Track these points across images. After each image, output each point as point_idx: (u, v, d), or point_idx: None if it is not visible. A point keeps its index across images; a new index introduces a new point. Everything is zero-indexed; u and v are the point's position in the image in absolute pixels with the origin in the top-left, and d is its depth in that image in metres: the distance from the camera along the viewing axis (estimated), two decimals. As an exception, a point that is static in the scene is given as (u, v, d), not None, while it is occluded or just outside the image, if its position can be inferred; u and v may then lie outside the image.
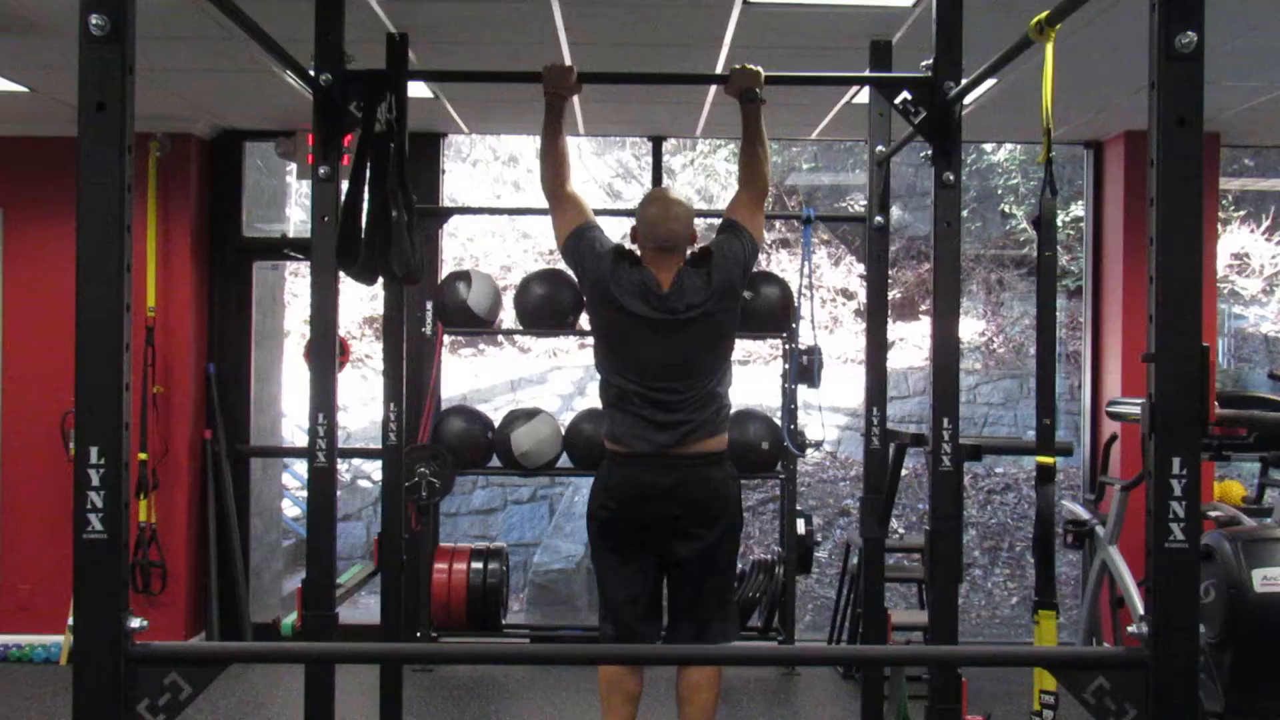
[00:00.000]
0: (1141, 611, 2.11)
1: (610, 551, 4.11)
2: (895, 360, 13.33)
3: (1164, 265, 2.09)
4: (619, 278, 3.98)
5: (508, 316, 6.98)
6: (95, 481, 2.06)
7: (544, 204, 4.23)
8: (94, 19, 2.06)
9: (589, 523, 4.20)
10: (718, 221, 4.30)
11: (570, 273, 4.53)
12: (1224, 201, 13.72)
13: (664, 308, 3.94)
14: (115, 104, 2.07)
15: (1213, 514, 5.01)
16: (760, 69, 3.96)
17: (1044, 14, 2.82)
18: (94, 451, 2.06)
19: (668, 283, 3.96)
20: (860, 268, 15.10)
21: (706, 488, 4.00)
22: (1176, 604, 2.11)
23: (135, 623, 2.13)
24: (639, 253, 4.07)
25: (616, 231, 5.77)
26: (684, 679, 4.10)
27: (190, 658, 2.22)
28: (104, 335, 2.07)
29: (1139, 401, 2.20)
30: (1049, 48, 2.83)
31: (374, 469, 12.47)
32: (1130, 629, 2.20)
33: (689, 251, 4.05)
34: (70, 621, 5.87)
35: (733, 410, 6.36)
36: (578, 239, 4.07)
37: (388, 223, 3.79)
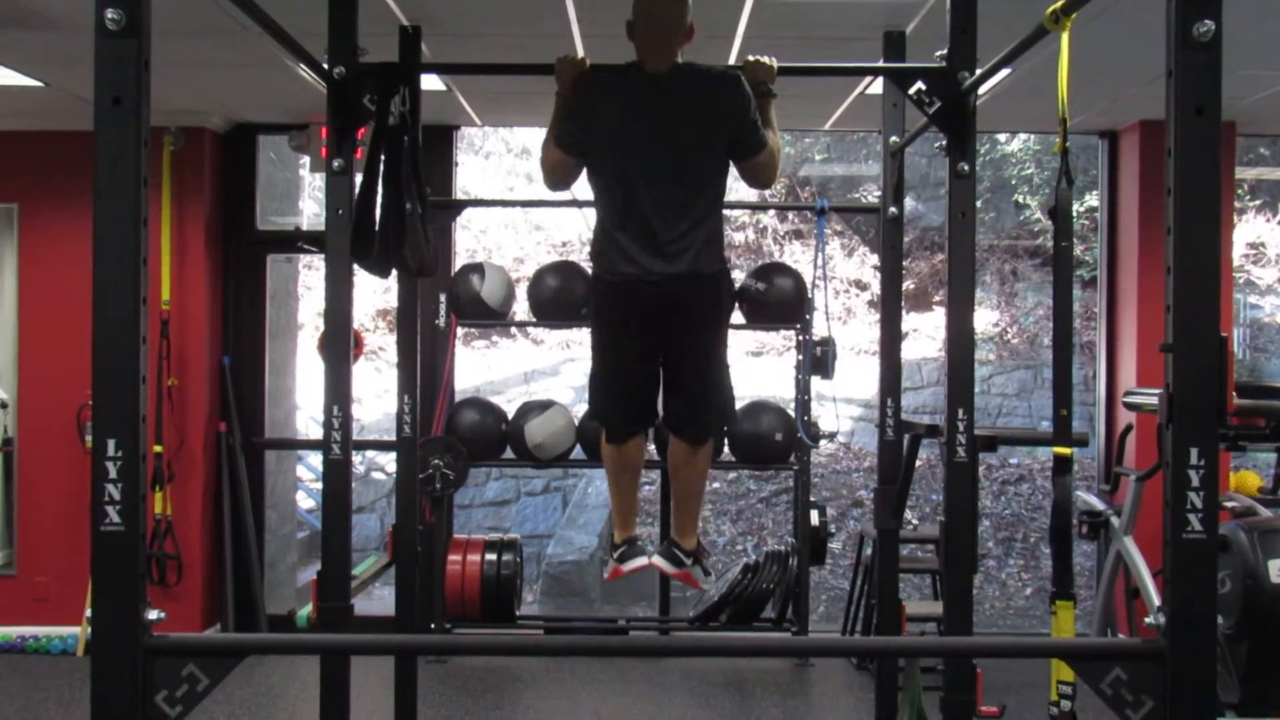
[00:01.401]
0: (1158, 602, 2.10)
1: (605, 341, 4.07)
2: (909, 351, 13.30)
3: (1181, 255, 2.09)
4: (609, 87, 3.87)
5: (521, 308, 6.98)
6: (113, 474, 2.07)
7: (556, 196, 4.21)
8: (109, 14, 2.07)
9: (594, 325, 4.15)
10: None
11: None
12: (1240, 191, 13.64)
13: (658, 92, 3.81)
14: (131, 99, 2.07)
15: (1229, 504, 5.00)
16: (774, 62, 3.94)
17: (1059, 3, 2.81)
18: (111, 444, 2.07)
19: (664, 68, 3.81)
20: (874, 258, 15.08)
21: (699, 289, 3.91)
22: (1194, 595, 2.11)
23: (153, 614, 2.14)
24: (635, 46, 3.92)
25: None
26: (675, 454, 4.12)
27: (207, 649, 2.23)
28: (121, 329, 2.07)
29: (1155, 392, 2.20)
30: (1064, 37, 2.82)
31: (388, 461, 12.49)
32: (1147, 620, 2.19)
33: (684, 41, 3.93)
34: (87, 613, 5.89)
35: (747, 401, 6.41)
36: (564, 130, 3.95)
37: (401, 215, 3.80)
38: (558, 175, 4.03)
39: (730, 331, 4.21)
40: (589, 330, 4.20)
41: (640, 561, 4.15)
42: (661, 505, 6.70)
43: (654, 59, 3.84)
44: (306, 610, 5.94)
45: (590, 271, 4.27)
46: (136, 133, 2.08)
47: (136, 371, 2.07)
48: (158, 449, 6.40)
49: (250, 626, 6.69)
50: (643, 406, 4.13)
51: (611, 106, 3.87)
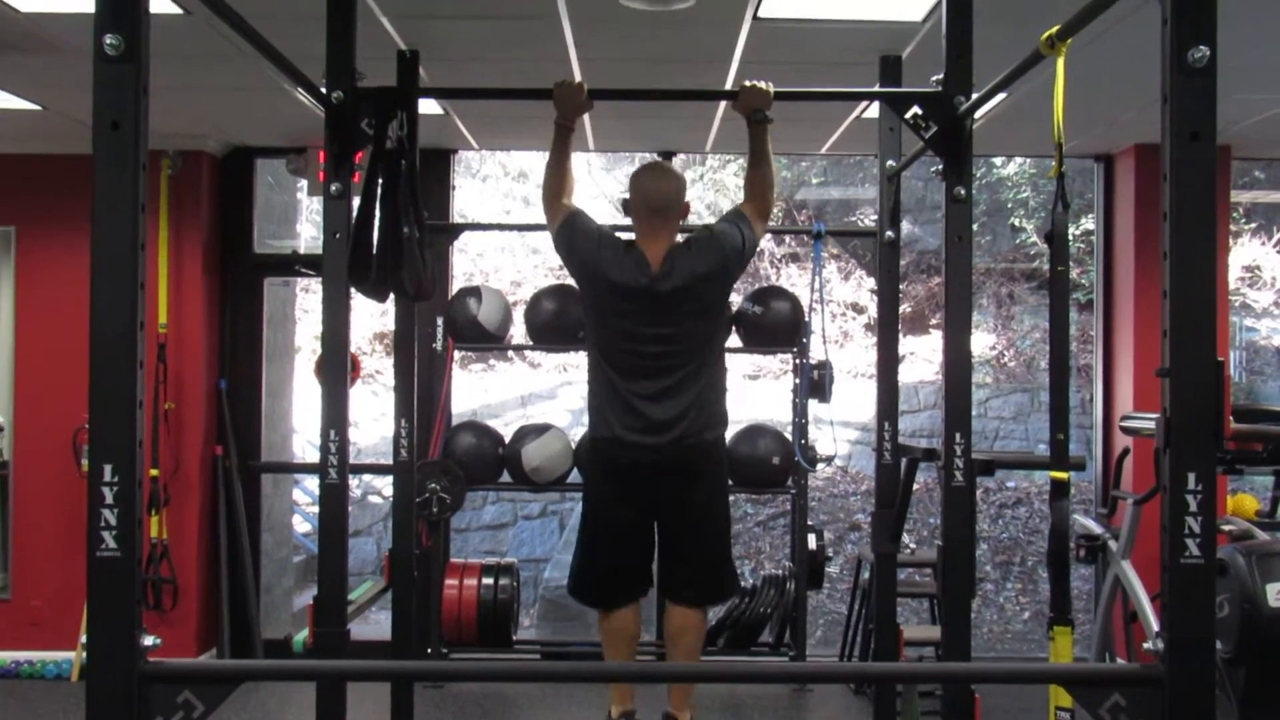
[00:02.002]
0: (1156, 627, 2.10)
1: (598, 508, 4.10)
2: (906, 374, 13.32)
3: (1178, 280, 2.09)
4: (609, 256, 3.97)
5: (518, 332, 6.98)
6: (109, 499, 2.06)
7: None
8: (108, 39, 2.07)
9: (585, 495, 4.20)
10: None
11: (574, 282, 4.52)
12: (1235, 214, 13.68)
13: (654, 279, 3.93)
14: (129, 124, 2.08)
15: (1226, 528, 4.99)
16: (770, 88, 3.97)
17: (1055, 28, 2.82)
18: (108, 469, 2.06)
19: (658, 260, 3.95)
20: (870, 282, 15.09)
21: (693, 456, 3.99)
22: (1192, 620, 2.10)
23: (148, 640, 2.13)
24: (632, 224, 4.04)
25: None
26: (670, 622, 4.13)
27: (203, 676, 2.22)
28: (117, 354, 2.07)
29: (1153, 416, 2.20)
30: (1060, 62, 2.83)
31: (385, 484, 12.47)
32: (1146, 645, 2.19)
33: (681, 228, 4.03)
34: (83, 638, 5.87)
35: (744, 425, 6.41)
36: (570, 224, 4.08)
37: (399, 239, 3.80)
38: (556, 205, 4.12)
39: (727, 355, 4.24)
40: (582, 491, 4.28)
41: None
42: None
43: (652, 244, 4.01)
44: (303, 635, 5.91)
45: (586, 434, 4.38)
46: (135, 158, 2.08)
47: (133, 397, 2.07)
48: (154, 472, 6.38)
49: (246, 651, 6.67)
50: (636, 573, 4.18)
51: (607, 283, 4.01)
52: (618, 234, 4.13)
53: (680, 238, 4.21)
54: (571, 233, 4.08)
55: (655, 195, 4.00)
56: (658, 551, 4.22)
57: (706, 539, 4.14)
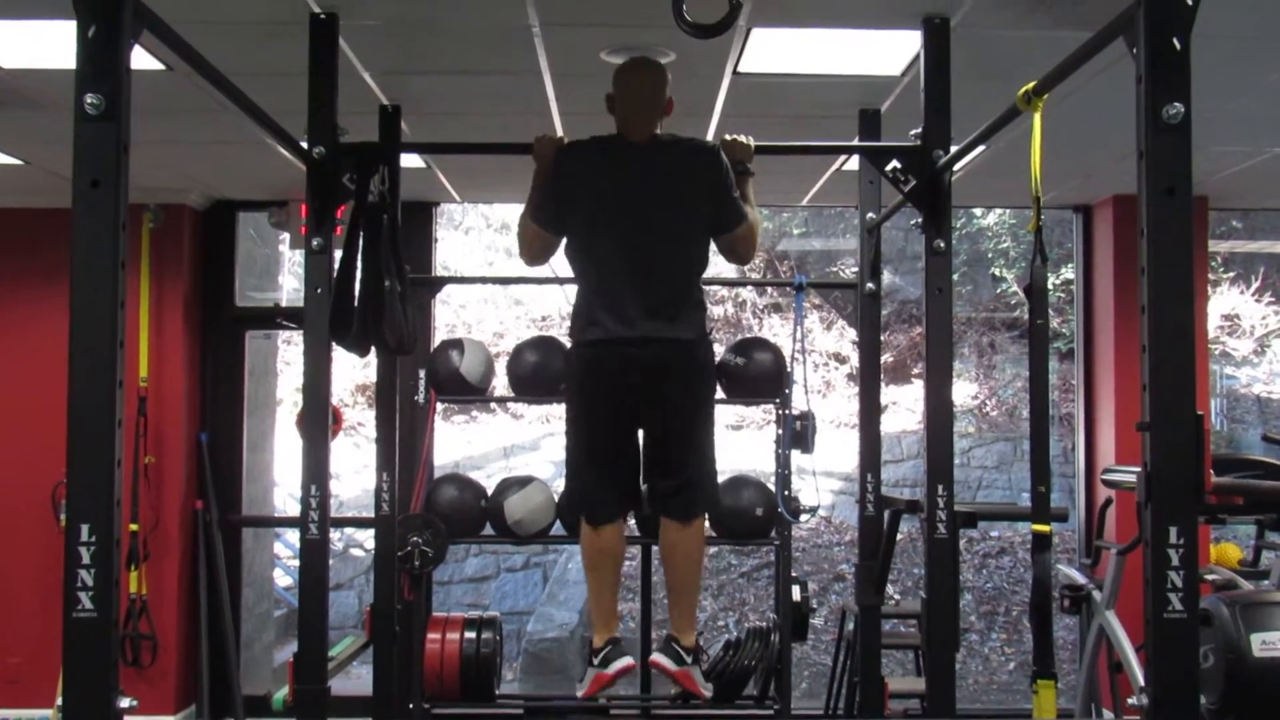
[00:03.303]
0: (1141, 680, 2.09)
1: (583, 411, 4.01)
2: (888, 424, 13.31)
3: (1157, 334, 2.10)
4: (587, 158, 3.89)
5: (500, 383, 6.96)
6: (85, 559, 2.05)
7: (535, 273, 4.21)
8: (89, 98, 2.08)
9: (569, 395, 4.11)
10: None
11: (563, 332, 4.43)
12: (1213, 263, 13.77)
13: (639, 163, 3.83)
14: (109, 182, 2.08)
15: (1209, 577, 4.98)
16: (751, 142, 3.98)
17: (1031, 84, 2.85)
18: (85, 529, 2.05)
19: (645, 139, 3.84)
20: (852, 332, 15.13)
21: (679, 354, 3.87)
22: (1176, 674, 2.10)
23: (125, 703, 2.11)
24: (616, 121, 3.92)
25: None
26: (664, 538, 4.01)
27: (180, 737, 2.20)
28: (96, 414, 2.06)
29: (1134, 470, 2.20)
30: (1037, 117, 2.86)
31: (366, 537, 12.39)
32: (1130, 700, 2.18)
33: (664, 114, 3.92)
34: (59, 700, 5.81)
35: (727, 476, 6.40)
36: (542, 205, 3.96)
37: (380, 293, 3.80)
38: (535, 250, 4.03)
39: (707, 238, 4.07)
40: (564, 406, 4.16)
41: (626, 662, 3.92)
42: (642, 580, 6.63)
43: (634, 131, 3.87)
44: (283, 693, 5.85)
45: (568, 345, 4.22)
46: (115, 215, 2.08)
47: (111, 457, 2.06)
48: (133, 527, 6.33)
49: (226, 708, 6.59)
50: (623, 486, 4.05)
51: (590, 175, 3.88)
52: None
53: None
54: (539, 199, 3.95)
55: (638, 83, 3.88)
56: (643, 463, 4.07)
57: (692, 445, 4.01)
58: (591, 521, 3.99)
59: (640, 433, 4.00)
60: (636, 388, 3.85)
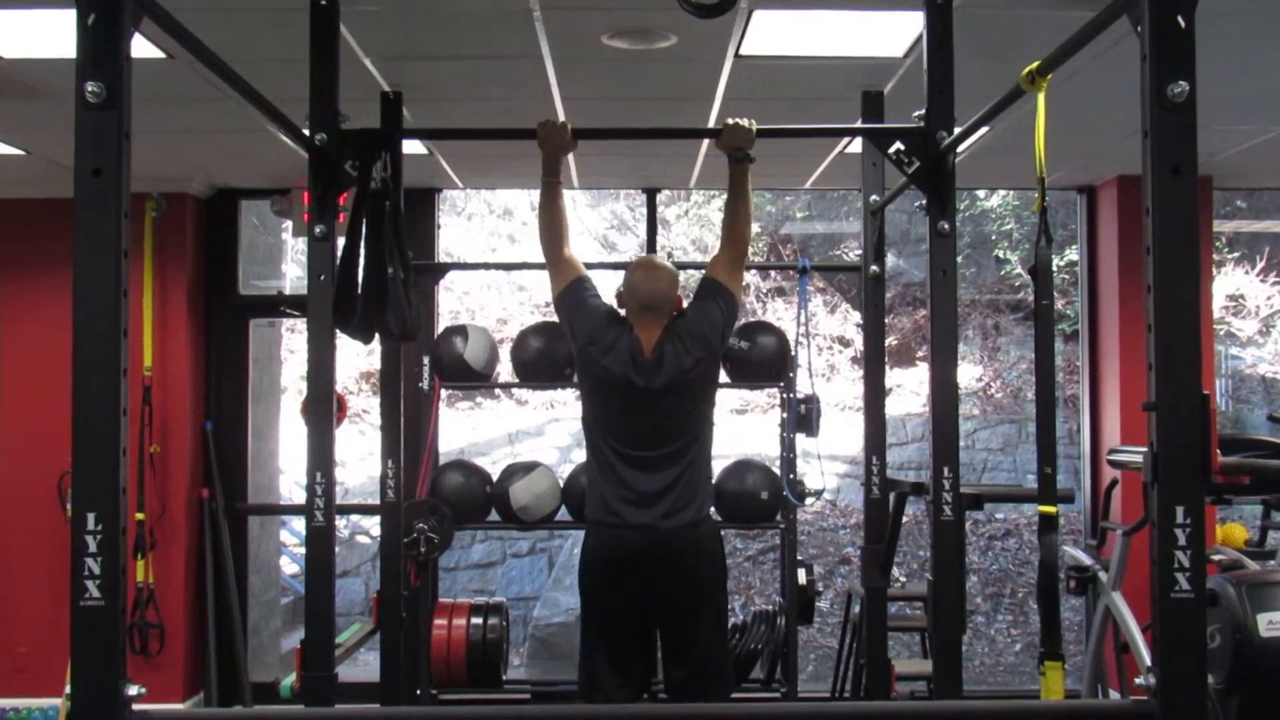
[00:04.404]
0: (1148, 660, 2.09)
1: (598, 621, 4.10)
2: (893, 407, 13.32)
3: (1162, 314, 2.09)
4: (607, 340, 3.99)
5: (504, 369, 6.97)
6: (92, 548, 2.05)
7: (539, 258, 4.25)
8: (90, 86, 2.07)
9: (580, 587, 4.20)
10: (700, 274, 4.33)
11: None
12: (1218, 244, 13.76)
13: (645, 374, 3.96)
14: (111, 170, 2.07)
15: (1216, 558, 4.98)
16: (752, 126, 3.98)
17: (1035, 64, 2.83)
18: (91, 518, 2.05)
19: (650, 349, 3.97)
20: (856, 315, 15.12)
21: (687, 551, 4.00)
22: (1183, 654, 2.10)
23: (133, 690, 2.11)
24: (625, 315, 4.09)
25: (610, 283, 5.78)
26: None
27: (189, 725, 2.20)
28: (100, 401, 2.06)
29: (1140, 450, 2.19)
30: (1041, 97, 2.84)
31: (372, 524, 12.41)
32: (1138, 680, 2.18)
33: (673, 314, 4.07)
34: (68, 688, 5.82)
35: (732, 460, 6.40)
36: (572, 294, 4.09)
37: (383, 280, 3.80)
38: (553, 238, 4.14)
39: (716, 392, 4.23)
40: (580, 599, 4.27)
41: None
42: None
43: (645, 334, 4.02)
44: (290, 680, 5.88)
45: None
46: (117, 204, 2.08)
47: (116, 445, 2.06)
48: (140, 516, 6.34)
49: (233, 696, 6.61)
50: (633, 673, 4.15)
51: (601, 368, 4.02)
52: (615, 310, 4.14)
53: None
54: (574, 306, 4.09)
55: (647, 294, 4.04)
56: (661, 649, 4.22)
57: (705, 635, 4.13)
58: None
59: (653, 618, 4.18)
60: (643, 581, 3.98)
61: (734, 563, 12.82)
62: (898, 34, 4.19)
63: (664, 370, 3.96)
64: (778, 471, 6.32)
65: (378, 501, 5.60)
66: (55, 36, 3.89)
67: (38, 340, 6.50)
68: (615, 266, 7.20)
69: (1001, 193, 15.06)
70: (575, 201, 16.34)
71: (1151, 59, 2.09)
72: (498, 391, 15.36)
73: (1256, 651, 4.12)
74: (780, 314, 15.51)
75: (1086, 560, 5.51)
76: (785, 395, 6.34)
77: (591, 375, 4.06)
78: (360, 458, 13.79)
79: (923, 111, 3.73)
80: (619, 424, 4.01)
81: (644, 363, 3.96)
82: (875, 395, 4.88)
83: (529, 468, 6.37)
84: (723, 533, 4.83)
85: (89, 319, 2.07)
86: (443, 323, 7.12)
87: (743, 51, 4.35)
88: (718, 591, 4.18)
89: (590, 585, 4.10)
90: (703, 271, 4.36)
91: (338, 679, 3.73)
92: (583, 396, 4.20)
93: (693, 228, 17.21)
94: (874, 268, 4.85)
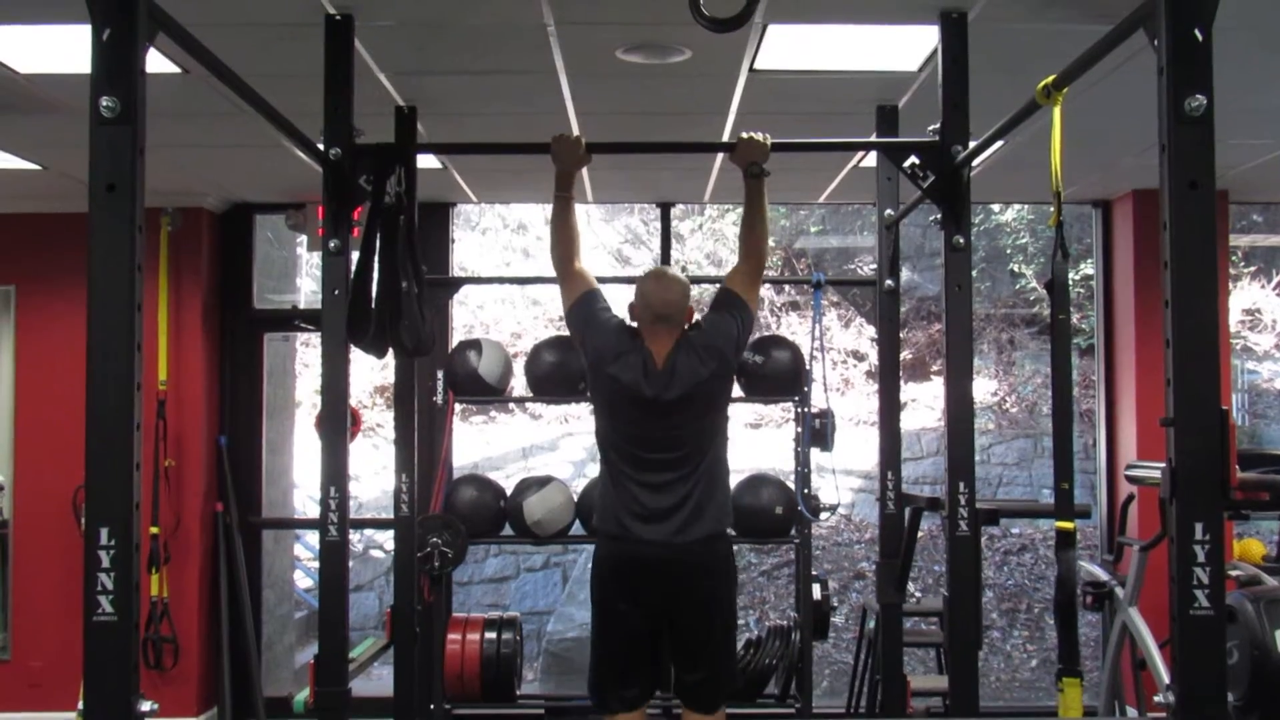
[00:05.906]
0: (1166, 677, 2.07)
1: (607, 631, 4.09)
2: (908, 421, 13.28)
3: (1180, 329, 2.08)
4: (618, 351, 3.97)
5: (519, 384, 6.96)
6: (105, 563, 2.04)
7: (552, 272, 4.24)
8: (104, 101, 2.08)
9: (592, 597, 4.19)
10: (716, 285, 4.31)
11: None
12: (1234, 258, 13.71)
13: (658, 386, 3.93)
14: (125, 185, 2.08)
15: (1234, 573, 4.95)
16: (767, 140, 3.97)
17: (1051, 78, 2.83)
18: (104, 533, 2.05)
19: (662, 360, 3.95)
20: (870, 329, 15.09)
21: (699, 566, 3.99)
22: (1202, 672, 2.08)
23: (145, 706, 2.10)
24: (637, 326, 4.06)
25: (622, 298, 5.78)
26: None
27: (201, 741, 2.19)
28: (114, 416, 2.06)
29: (1157, 465, 2.18)
30: (1056, 111, 2.84)
31: (386, 539, 12.41)
32: (1156, 698, 2.16)
33: (685, 326, 4.04)
34: (80, 705, 5.82)
35: (747, 475, 6.38)
36: (584, 307, 4.07)
37: (398, 295, 3.80)
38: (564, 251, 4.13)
39: (730, 404, 4.22)
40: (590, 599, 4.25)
41: None
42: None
43: (657, 345, 3.99)
44: (304, 695, 5.87)
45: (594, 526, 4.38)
46: (131, 219, 2.08)
47: (130, 460, 2.06)
48: (154, 530, 6.34)
49: (247, 710, 6.60)
50: (642, 677, 4.13)
51: (613, 381, 4.00)
52: (627, 323, 4.12)
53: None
54: (586, 319, 4.06)
55: (659, 304, 4.00)
56: (670, 655, 4.21)
57: (715, 646, 4.12)
58: (606, 710, 4.09)
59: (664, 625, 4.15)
60: (654, 593, 3.98)
61: (748, 578, 12.78)
62: (912, 48, 4.18)
63: (676, 381, 3.94)
64: (792, 486, 6.31)
65: (392, 516, 5.59)
66: (71, 52, 3.90)
67: (53, 354, 6.52)
68: (628, 281, 7.19)
69: (1016, 206, 15.03)
70: (589, 216, 16.36)
71: (1169, 72, 2.09)
72: (511, 406, 15.35)
73: (1275, 668, 4.09)
74: (795, 328, 15.49)
75: (1103, 576, 5.48)
76: (800, 409, 6.33)
77: (603, 387, 4.05)
78: (374, 472, 13.79)
79: (937, 126, 3.72)
80: (630, 435, 3.99)
81: (655, 374, 3.94)
82: (890, 410, 4.86)
83: (543, 482, 6.36)
84: (736, 548, 4.82)
85: (103, 333, 2.06)
86: (457, 337, 7.12)
87: (757, 66, 4.35)
88: (728, 603, 4.16)
89: (600, 596, 4.09)
90: (717, 285, 4.34)
91: (352, 694, 3.72)
92: (595, 409, 4.19)
93: (707, 241, 17.20)
94: (888, 282, 4.84)
